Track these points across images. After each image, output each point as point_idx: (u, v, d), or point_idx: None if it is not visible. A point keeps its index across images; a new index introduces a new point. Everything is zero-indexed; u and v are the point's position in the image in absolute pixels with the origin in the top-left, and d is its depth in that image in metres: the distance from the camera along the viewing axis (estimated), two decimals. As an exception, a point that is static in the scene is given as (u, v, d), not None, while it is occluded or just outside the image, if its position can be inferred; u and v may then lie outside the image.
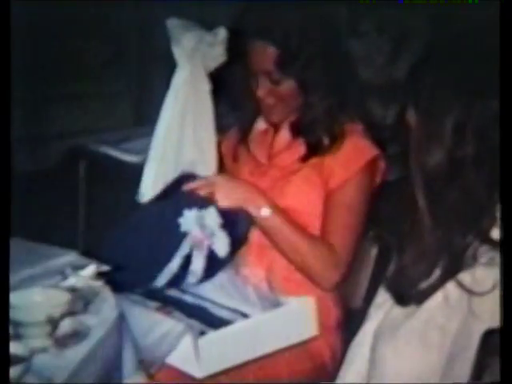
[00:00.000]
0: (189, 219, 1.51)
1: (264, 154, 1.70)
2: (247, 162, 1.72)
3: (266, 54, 1.56)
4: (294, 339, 1.55)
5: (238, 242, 1.58)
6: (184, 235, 1.52)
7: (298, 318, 1.55)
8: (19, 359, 1.03)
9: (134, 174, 1.84)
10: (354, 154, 1.59)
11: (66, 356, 1.12)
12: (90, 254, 1.57)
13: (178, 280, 1.55)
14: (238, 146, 1.75)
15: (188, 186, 1.57)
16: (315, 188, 1.60)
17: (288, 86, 1.58)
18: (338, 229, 1.57)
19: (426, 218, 1.07)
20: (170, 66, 1.77)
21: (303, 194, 1.61)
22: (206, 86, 1.66)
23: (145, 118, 1.92)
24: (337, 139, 1.60)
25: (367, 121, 1.68)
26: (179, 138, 1.66)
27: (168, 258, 1.52)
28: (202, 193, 1.55)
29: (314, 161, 1.61)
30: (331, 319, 1.63)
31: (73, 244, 1.62)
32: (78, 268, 1.41)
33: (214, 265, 1.55)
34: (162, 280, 1.53)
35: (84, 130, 3.46)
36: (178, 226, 1.52)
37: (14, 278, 1.34)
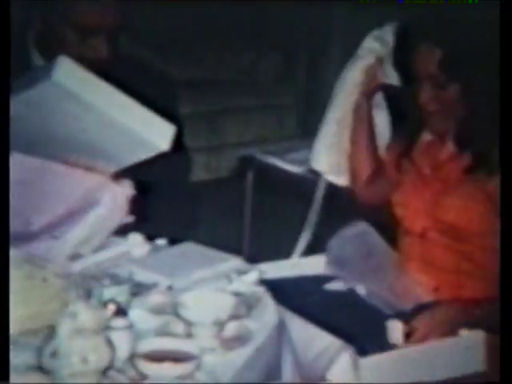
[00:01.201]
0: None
1: (428, 165, 1.68)
2: (410, 172, 1.71)
3: (430, 57, 1.53)
4: (458, 372, 1.51)
5: None
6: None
7: (466, 351, 1.52)
8: (191, 357, 1.12)
9: (299, 184, 1.92)
10: None
11: (231, 357, 1.18)
12: (254, 260, 1.65)
13: None
14: (401, 155, 1.74)
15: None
16: (480, 205, 1.57)
17: (453, 90, 1.54)
18: None
19: None
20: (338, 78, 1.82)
21: (466, 210, 1.58)
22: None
23: (312, 129, 1.99)
24: None
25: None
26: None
27: None
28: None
29: (479, 176, 1.57)
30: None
31: (239, 250, 1.70)
32: (242, 273, 1.46)
33: None
34: None
35: (254, 140, 3.60)
36: None
37: (186, 280, 1.44)
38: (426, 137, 1.71)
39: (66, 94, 1.34)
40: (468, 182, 1.59)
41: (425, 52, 1.55)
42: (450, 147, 1.64)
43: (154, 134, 1.42)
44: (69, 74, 1.35)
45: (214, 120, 3.71)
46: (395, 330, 1.51)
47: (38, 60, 1.81)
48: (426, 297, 1.64)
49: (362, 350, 1.44)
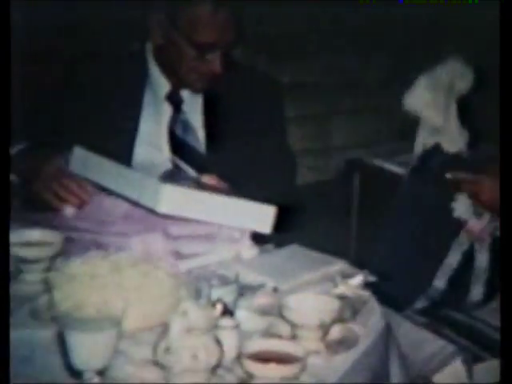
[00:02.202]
0: (462, 206, 1.50)
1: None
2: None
3: None
4: None
5: None
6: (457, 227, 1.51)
7: None
8: (296, 359, 1.13)
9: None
10: None
11: (336, 361, 1.19)
12: (359, 263, 1.65)
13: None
14: None
15: (453, 175, 1.55)
16: None
17: None
18: None
19: None
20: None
21: None
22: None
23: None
24: None
25: None
26: None
27: (441, 255, 1.52)
28: (465, 189, 1.53)
29: None
30: None
31: (344, 253, 1.70)
32: (347, 277, 1.47)
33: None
34: (440, 282, 1.54)
35: (361, 143, 3.58)
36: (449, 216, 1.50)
37: (292, 282, 1.46)
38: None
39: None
40: None
41: None
42: None
43: (258, 222, 1.57)
44: (171, 201, 1.51)
45: (321, 123, 3.71)
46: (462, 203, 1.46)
47: (155, 71, 1.89)
48: None
49: (475, 357, 1.42)
